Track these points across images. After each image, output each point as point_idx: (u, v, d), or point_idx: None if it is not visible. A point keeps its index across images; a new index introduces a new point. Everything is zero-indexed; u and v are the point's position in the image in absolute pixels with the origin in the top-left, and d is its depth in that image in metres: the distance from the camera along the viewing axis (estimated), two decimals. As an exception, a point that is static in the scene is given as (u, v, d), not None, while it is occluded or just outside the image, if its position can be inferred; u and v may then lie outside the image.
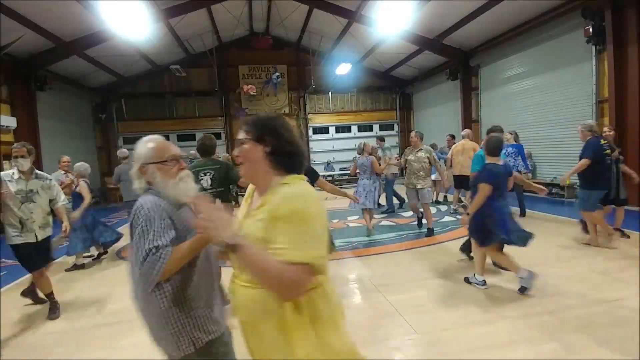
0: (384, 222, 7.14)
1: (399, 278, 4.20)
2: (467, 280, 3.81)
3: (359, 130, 16.37)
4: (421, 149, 5.85)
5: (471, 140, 7.04)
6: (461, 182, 6.91)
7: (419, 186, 5.78)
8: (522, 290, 3.42)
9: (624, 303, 3.17)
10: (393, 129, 16.61)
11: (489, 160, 3.64)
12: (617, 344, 2.59)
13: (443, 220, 6.95)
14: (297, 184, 1.22)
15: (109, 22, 7.76)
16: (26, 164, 3.47)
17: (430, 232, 5.87)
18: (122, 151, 6.44)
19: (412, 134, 6.04)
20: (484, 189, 3.43)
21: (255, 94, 14.87)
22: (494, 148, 3.65)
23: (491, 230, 3.46)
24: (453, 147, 7.36)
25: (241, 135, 1.29)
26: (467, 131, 7.25)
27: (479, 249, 3.66)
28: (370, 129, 16.42)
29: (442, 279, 4.05)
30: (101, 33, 9.36)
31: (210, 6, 10.84)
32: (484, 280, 3.66)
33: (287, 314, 1.15)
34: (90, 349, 3.01)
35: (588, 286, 3.56)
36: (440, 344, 2.75)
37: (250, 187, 1.41)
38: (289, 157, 1.27)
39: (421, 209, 6.09)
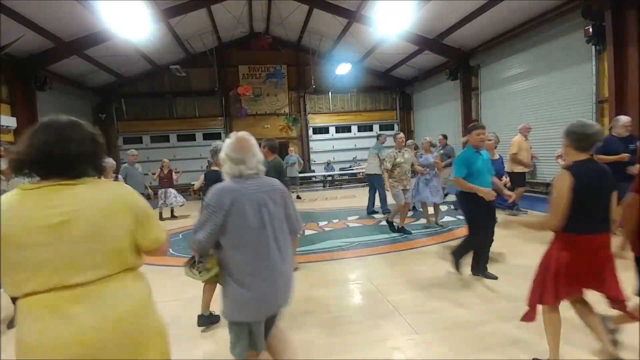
0: (384, 222, 7.13)
1: (399, 278, 4.20)
2: None
3: (359, 130, 16.38)
4: (407, 150, 6.05)
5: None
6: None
7: (408, 187, 6.00)
8: None
9: (624, 303, 3.17)
10: (393, 129, 16.59)
11: None
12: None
13: (443, 220, 6.94)
14: None
15: (109, 22, 7.76)
16: (4, 163, 3.56)
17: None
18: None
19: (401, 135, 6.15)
20: None
21: (249, 94, 14.86)
22: None
23: None
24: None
25: None
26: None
27: None
28: (370, 129, 16.41)
29: (442, 279, 4.05)
30: (101, 33, 9.37)
31: (210, 6, 10.84)
32: None
33: None
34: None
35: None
36: (440, 344, 2.75)
37: None
38: None
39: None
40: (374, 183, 7.89)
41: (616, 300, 2.24)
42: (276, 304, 1.87)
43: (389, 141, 9.00)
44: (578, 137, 2.21)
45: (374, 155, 7.60)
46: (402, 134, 6.17)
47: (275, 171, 3.97)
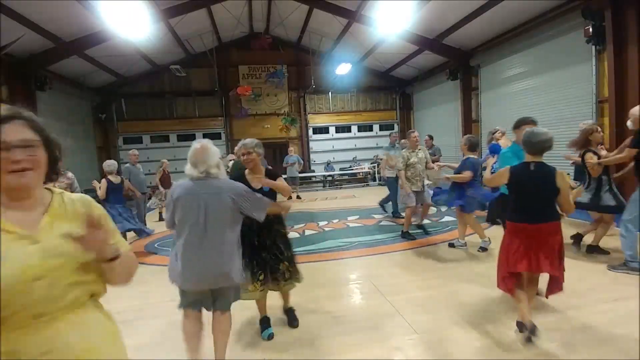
0: (384, 222, 7.14)
1: (399, 278, 4.20)
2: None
3: (359, 130, 16.37)
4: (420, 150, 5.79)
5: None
6: None
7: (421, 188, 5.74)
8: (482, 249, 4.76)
9: (624, 303, 3.17)
10: (393, 129, 16.60)
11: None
12: (617, 344, 2.59)
13: (443, 220, 6.95)
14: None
15: (109, 22, 7.75)
16: None
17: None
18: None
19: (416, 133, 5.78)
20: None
21: (249, 93, 14.85)
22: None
23: None
24: None
25: (25, 133, 1.05)
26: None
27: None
28: (370, 129, 16.42)
29: (442, 279, 4.05)
30: (101, 33, 9.35)
31: (210, 6, 10.83)
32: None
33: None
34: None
35: (588, 286, 3.57)
36: (440, 344, 2.76)
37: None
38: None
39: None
40: (387, 185, 7.83)
41: (549, 274, 2.65)
42: (201, 282, 2.28)
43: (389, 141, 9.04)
44: (527, 144, 2.64)
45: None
46: (416, 133, 5.77)
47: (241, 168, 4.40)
